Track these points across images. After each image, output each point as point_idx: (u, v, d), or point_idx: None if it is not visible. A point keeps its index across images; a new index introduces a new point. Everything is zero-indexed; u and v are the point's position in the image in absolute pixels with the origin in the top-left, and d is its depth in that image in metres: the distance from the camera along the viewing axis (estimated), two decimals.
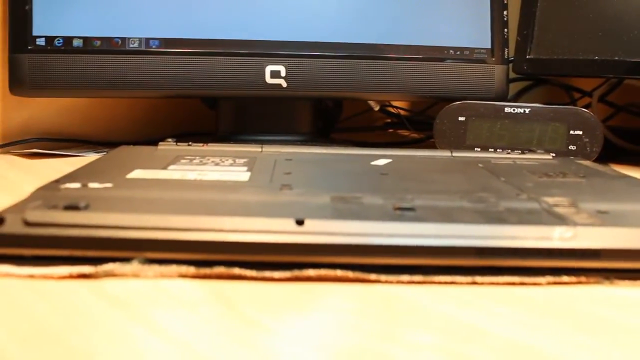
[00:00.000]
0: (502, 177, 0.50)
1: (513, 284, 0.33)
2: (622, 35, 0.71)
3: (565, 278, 0.33)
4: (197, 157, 0.54)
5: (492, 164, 0.57)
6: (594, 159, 0.67)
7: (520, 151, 0.68)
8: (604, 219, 0.36)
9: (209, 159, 0.53)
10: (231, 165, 0.51)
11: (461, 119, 0.71)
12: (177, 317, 0.28)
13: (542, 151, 0.68)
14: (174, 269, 0.33)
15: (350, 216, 0.34)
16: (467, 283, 0.33)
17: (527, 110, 0.70)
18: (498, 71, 0.77)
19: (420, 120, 0.99)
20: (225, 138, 0.79)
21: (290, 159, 0.55)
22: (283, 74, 0.74)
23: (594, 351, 0.26)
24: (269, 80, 0.74)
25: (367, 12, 0.76)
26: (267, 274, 0.32)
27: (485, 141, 0.71)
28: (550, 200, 0.40)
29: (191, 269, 0.33)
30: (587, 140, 0.68)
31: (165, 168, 0.48)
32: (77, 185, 0.40)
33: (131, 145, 0.63)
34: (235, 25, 0.74)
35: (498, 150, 0.70)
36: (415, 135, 0.97)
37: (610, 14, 0.72)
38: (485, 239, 0.33)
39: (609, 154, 0.72)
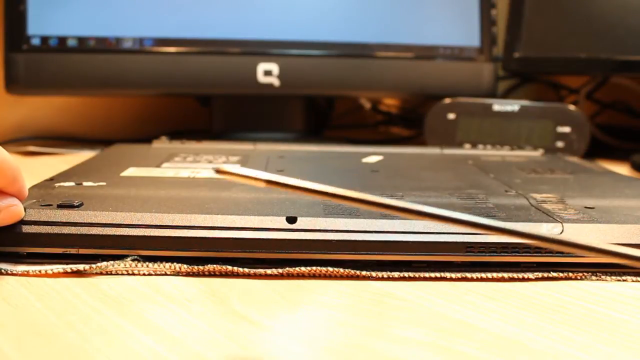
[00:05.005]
0: (492, 173, 0.50)
1: (502, 279, 0.33)
2: (608, 34, 0.71)
3: (553, 273, 0.34)
4: (191, 155, 0.54)
5: (481, 160, 0.58)
6: (581, 155, 0.68)
7: (509, 148, 0.68)
8: (590, 214, 0.36)
9: (202, 157, 0.54)
10: (224, 162, 0.51)
11: (451, 116, 0.72)
12: (170, 314, 0.28)
13: (531, 148, 0.69)
14: (167, 266, 0.33)
15: (341, 213, 0.35)
16: (457, 279, 0.33)
17: (515, 108, 0.71)
18: (487, 69, 0.78)
19: (410, 118, 1.00)
20: (218, 135, 0.79)
21: (283, 156, 0.56)
22: (275, 72, 0.74)
23: (581, 345, 0.26)
24: (261, 78, 0.74)
25: (358, 11, 0.76)
26: (260, 270, 0.33)
27: (474, 138, 0.71)
28: (539, 196, 0.41)
29: (184, 266, 0.33)
30: (575, 137, 0.69)
31: (159, 166, 0.49)
32: (71, 183, 0.41)
33: (125, 143, 0.63)
34: (228, 24, 0.74)
35: (487, 147, 0.70)
36: (405, 132, 0.98)
37: (596, 12, 0.73)
38: (474, 235, 0.34)
39: (596, 151, 0.73)
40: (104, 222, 0.33)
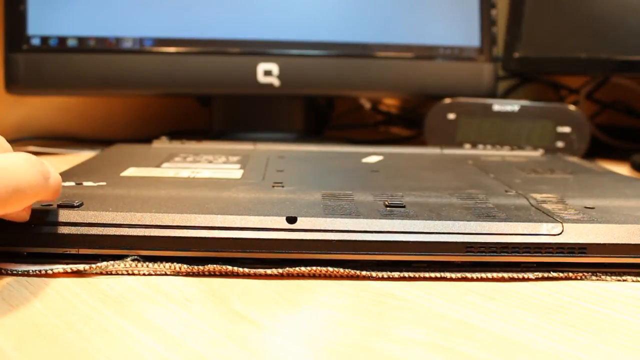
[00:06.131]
0: (492, 173, 0.50)
1: (502, 279, 0.33)
2: (608, 34, 0.71)
3: (553, 273, 0.34)
4: (191, 155, 0.54)
5: (481, 160, 0.58)
6: (581, 155, 0.68)
7: (509, 148, 0.68)
8: (590, 214, 0.36)
9: (202, 157, 0.54)
10: (224, 162, 0.51)
11: (451, 116, 0.72)
12: (170, 314, 0.28)
13: (531, 148, 0.69)
14: (167, 266, 0.33)
15: (341, 213, 0.35)
16: (457, 279, 0.33)
17: (515, 108, 0.71)
18: (487, 69, 0.78)
19: (410, 118, 1.00)
20: (218, 135, 0.79)
21: (283, 157, 0.56)
22: (275, 72, 0.74)
23: (581, 345, 0.26)
24: (261, 78, 0.74)
25: (358, 11, 0.76)
26: (260, 270, 0.33)
27: (474, 138, 0.71)
28: (539, 196, 0.41)
29: (184, 266, 0.33)
30: (575, 137, 0.69)
31: (159, 166, 0.49)
32: (71, 183, 0.41)
33: (125, 143, 0.63)
34: (228, 24, 0.74)
35: (487, 147, 0.70)
36: (405, 132, 0.98)
37: (597, 12, 0.73)
38: (474, 235, 0.34)
39: (596, 151, 0.73)
40: (104, 222, 0.33)
